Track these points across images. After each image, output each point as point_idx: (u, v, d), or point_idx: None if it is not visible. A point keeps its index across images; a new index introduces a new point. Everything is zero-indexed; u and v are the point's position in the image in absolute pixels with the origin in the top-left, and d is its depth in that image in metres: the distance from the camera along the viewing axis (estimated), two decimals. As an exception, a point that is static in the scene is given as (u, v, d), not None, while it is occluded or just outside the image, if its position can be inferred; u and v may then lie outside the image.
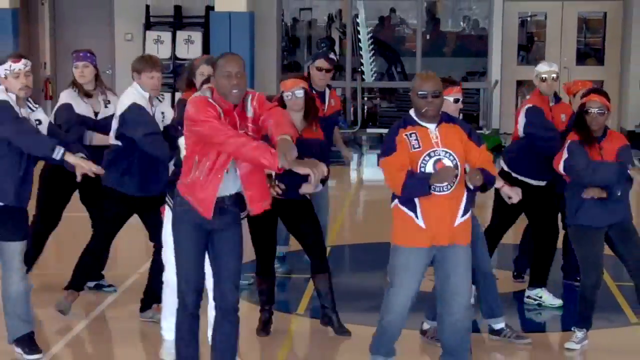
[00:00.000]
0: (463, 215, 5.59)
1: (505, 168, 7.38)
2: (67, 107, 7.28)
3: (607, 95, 6.41)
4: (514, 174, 7.29)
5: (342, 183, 13.35)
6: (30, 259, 7.39)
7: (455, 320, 5.63)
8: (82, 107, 7.34)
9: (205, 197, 5.12)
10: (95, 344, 6.89)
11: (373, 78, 18.64)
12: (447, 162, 5.48)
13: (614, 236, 6.51)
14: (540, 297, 7.54)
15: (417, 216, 5.54)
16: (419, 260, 5.58)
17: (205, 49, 16.94)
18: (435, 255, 5.61)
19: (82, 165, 6.04)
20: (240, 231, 5.35)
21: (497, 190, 7.18)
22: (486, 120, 17.66)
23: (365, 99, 18.46)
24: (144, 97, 6.68)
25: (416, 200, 5.52)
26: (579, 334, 6.63)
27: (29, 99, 6.20)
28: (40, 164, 6.97)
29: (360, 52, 18.58)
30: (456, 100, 6.28)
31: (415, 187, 5.47)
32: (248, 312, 7.29)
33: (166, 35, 17.27)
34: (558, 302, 7.54)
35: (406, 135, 5.53)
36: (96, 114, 7.39)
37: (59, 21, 17.90)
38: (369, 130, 17.71)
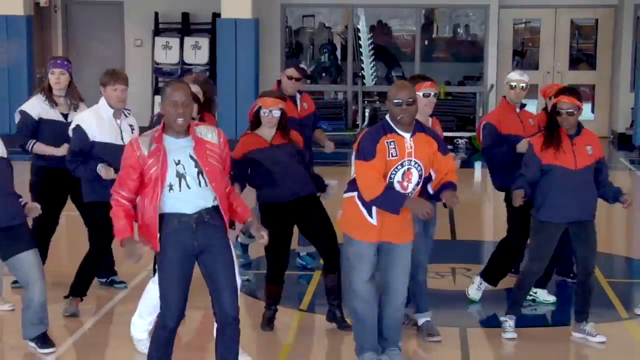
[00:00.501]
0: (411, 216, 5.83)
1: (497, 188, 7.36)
2: (24, 114, 7.38)
3: (579, 94, 6.44)
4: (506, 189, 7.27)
5: (343, 183, 13.31)
6: None
7: (395, 310, 5.93)
8: (51, 113, 7.41)
9: (151, 234, 5.09)
10: (106, 339, 6.87)
11: (373, 82, 18.62)
12: (414, 172, 5.66)
13: (572, 232, 6.55)
14: (535, 293, 7.52)
15: (370, 214, 5.72)
16: (368, 253, 5.80)
17: (212, 54, 16.96)
18: (382, 247, 5.81)
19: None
20: (228, 243, 5.25)
21: (506, 205, 7.21)
22: (482, 123, 17.64)
23: (366, 102, 18.44)
24: (103, 116, 6.78)
25: None
26: (510, 322, 6.66)
27: None
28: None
29: (361, 58, 18.57)
30: (426, 95, 6.35)
31: (389, 202, 5.62)
32: (252, 306, 7.29)
33: (174, 41, 17.28)
34: (552, 298, 7.53)
35: (387, 142, 5.64)
36: (65, 116, 7.42)
37: (71, 28, 17.90)
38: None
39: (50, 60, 7.54)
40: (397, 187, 5.66)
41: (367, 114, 17.55)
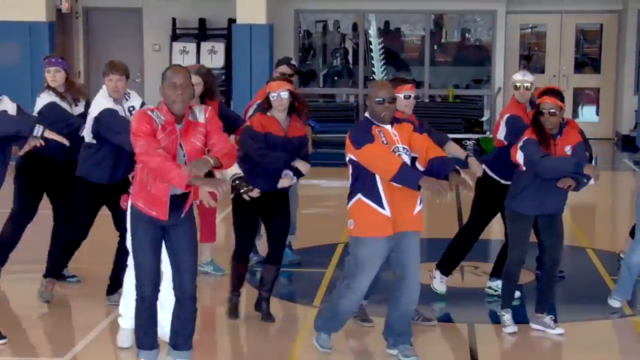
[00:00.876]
0: (420, 204, 5.84)
1: (487, 170, 7.33)
2: (55, 105, 7.28)
3: (561, 95, 6.45)
4: (495, 177, 7.23)
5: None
6: (6, 250, 7.43)
7: (409, 303, 5.92)
8: (63, 106, 7.38)
9: (158, 204, 5.17)
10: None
11: (384, 85, 18.57)
12: (406, 158, 5.73)
13: (541, 224, 6.59)
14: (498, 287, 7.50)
15: (382, 206, 5.73)
16: (383, 249, 5.80)
17: (228, 58, 16.98)
18: (394, 243, 5.80)
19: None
20: (193, 225, 5.39)
21: (477, 190, 7.23)
22: (490, 125, 17.61)
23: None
24: (110, 100, 6.78)
25: (381, 191, 5.71)
26: (507, 315, 6.67)
27: None
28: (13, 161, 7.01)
29: (372, 61, 18.56)
30: (407, 97, 6.45)
31: (408, 176, 5.60)
32: (272, 304, 7.29)
33: (191, 46, 17.30)
34: (517, 294, 7.48)
35: (377, 131, 5.75)
36: None
37: (91, 33, 17.96)
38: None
39: (45, 60, 7.51)
40: None
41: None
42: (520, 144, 6.45)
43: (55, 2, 16.41)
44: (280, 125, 6.53)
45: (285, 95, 6.49)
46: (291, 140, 6.52)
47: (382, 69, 18.53)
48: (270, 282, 6.80)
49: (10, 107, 6.27)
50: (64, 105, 7.34)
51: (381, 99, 5.72)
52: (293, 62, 8.17)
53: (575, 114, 18.02)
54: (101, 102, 6.78)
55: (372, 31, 18.56)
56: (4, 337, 6.31)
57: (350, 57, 18.89)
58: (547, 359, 6.55)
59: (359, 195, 5.79)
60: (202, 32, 17.57)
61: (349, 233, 5.91)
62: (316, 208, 8.64)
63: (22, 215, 7.47)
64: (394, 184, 5.64)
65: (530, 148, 6.38)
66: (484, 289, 7.57)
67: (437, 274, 7.54)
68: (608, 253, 8.94)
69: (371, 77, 18.32)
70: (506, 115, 7.30)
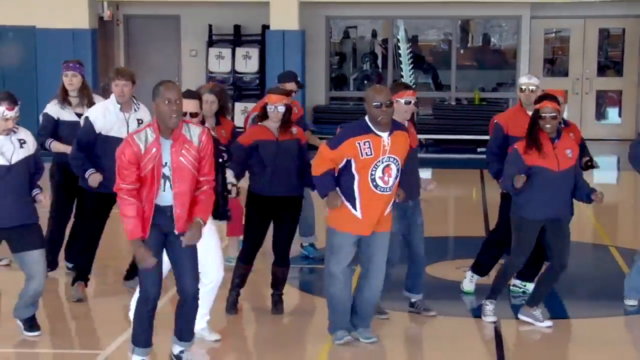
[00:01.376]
0: (391, 207, 5.99)
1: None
2: (46, 116, 7.54)
3: (558, 100, 6.47)
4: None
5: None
6: (53, 251, 7.59)
7: (373, 293, 6.09)
8: (66, 115, 7.53)
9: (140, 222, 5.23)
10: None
11: (412, 89, 18.53)
12: (393, 167, 5.84)
13: (548, 228, 6.55)
14: (525, 285, 7.47)
15: (355, 208, 5.89)
16: (351, 241, 6.00)
17: (262, 63, 17.05)
18: (362, 238, 6.00)
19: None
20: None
21: (502, 199, 7.19)
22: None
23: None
24: (111, 109, 6.92)
25: (356, 194, 5.89)
26: (490, 306, 6.74)
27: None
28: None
29: (401, 66, 18.54)
30: (407, 102, 6.43)
31: (320, 185, 5.95)
32: (304, 300, 7.32)
33: (227, 52, 17.38)
34: None
35: (359, 143, 5.81)
36: (80, 115, 7.49)
37: (132, 40, 18.10)
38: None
39: (63, 64, 7.62)
40: (379, 182, 5.84)
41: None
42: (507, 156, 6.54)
43: (98, 10, 16.58)
44: (272, 132, 6.70)
45: (282, 109, 6.65)
46: (281, 143, 6.65)
47: (410, 72, 18.51)
48: (281, 281, 6.95)
49: (29, 140, 6.29)
50: (66, 112, 7.51)
51: (379, 103, 5.76)
52: (298, 79, 8.43)
53: (598, 115, 17.92)
54: (91, 110, 6.99)
55: (401, 37, 18.54)
56: (39, 329, 6.40)
57: (379, 62, 18.89)
58: (569, 353, 6.53)
59: (338, 190, 5.95)
60: (237, 38, 17.64)
61: (327, 219, 6.10)
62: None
63: (58, 215, 7.66)
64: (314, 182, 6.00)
65: (508, 160, 6.48)
66: (510, 286, 7.54)
67: (469, 274, 7.53)
68: (631, 251, 8.89)
69: (400, 81, 18.29)
70: (494, 121, 7.34)
